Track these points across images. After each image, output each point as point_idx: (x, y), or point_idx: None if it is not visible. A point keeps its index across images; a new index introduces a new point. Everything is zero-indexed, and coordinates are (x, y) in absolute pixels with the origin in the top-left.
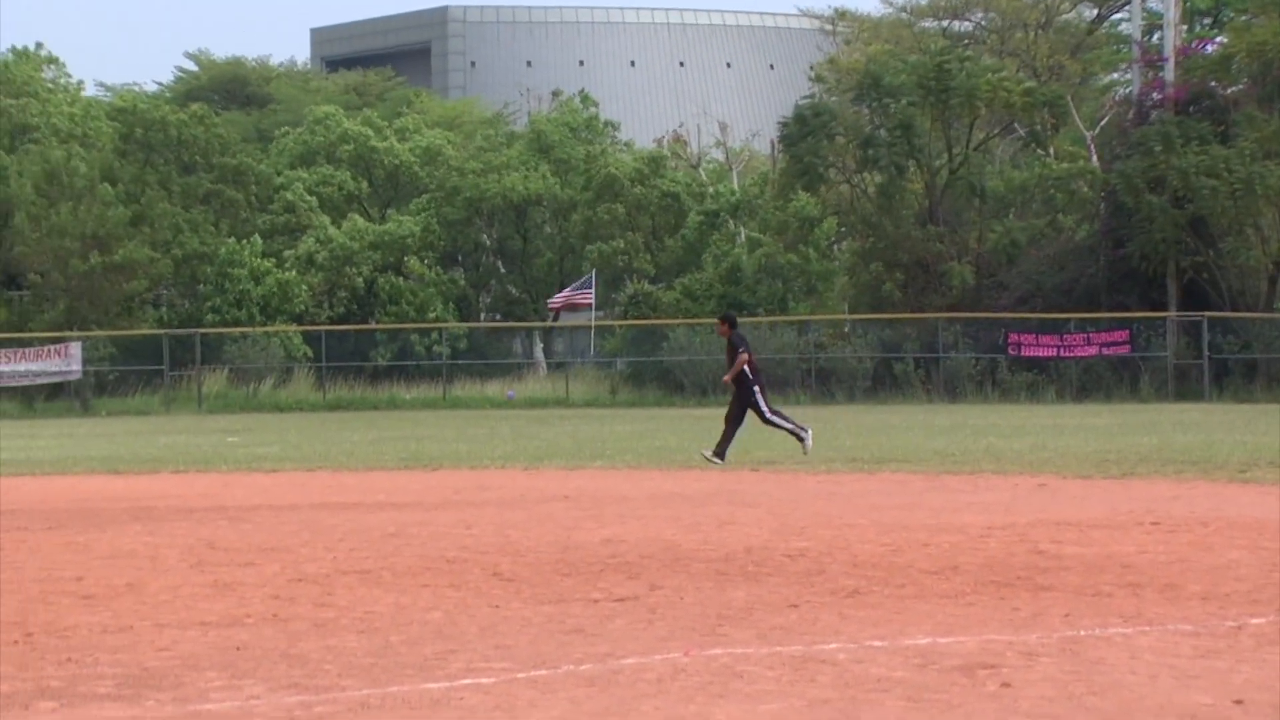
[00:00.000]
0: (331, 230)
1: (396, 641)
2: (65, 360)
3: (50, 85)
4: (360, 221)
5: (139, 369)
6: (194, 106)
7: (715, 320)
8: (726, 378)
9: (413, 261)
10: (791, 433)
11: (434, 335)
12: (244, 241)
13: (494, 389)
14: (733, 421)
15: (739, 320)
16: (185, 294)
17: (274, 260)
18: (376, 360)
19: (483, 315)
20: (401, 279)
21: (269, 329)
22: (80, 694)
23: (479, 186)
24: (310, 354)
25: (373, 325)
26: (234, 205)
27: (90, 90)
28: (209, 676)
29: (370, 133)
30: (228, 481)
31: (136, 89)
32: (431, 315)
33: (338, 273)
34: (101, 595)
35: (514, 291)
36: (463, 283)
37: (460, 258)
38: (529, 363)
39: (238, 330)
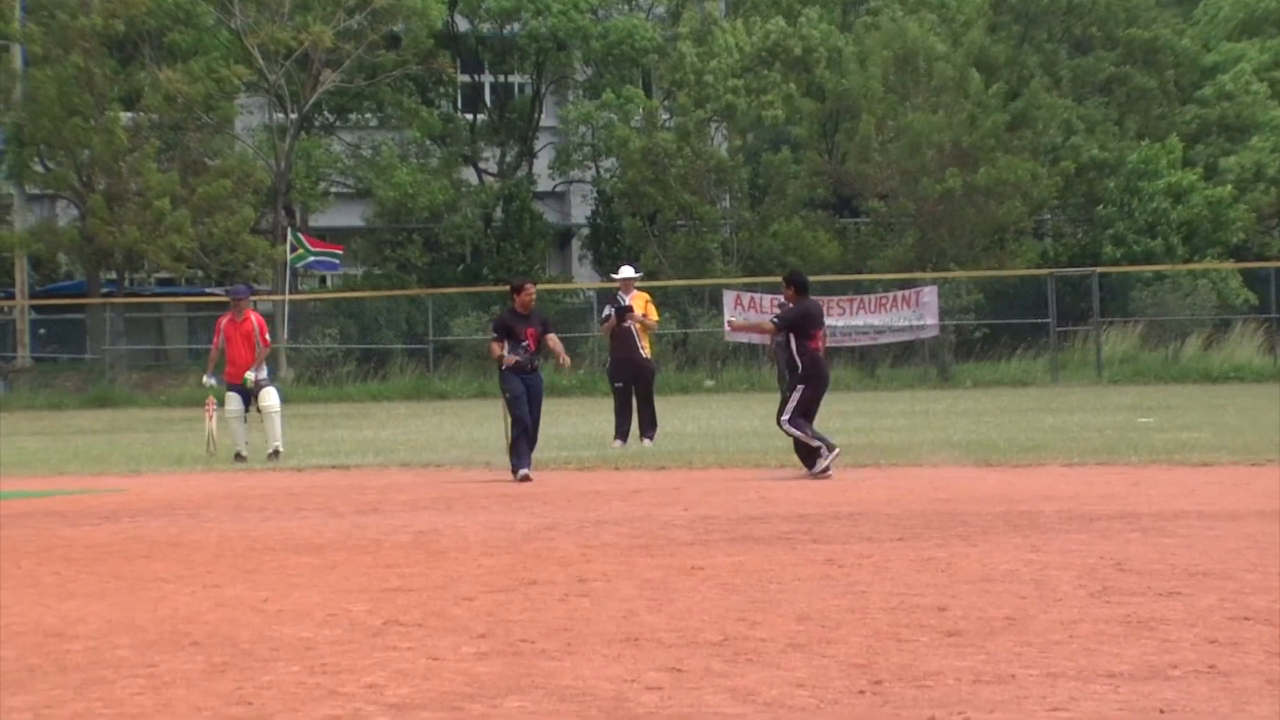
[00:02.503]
0: None
1: None
2: (916, 311)
3: None
4: None
5: (1015, 323)
6: None
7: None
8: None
9: None
10: (818, 443)
11: None
12: (1159, 145)
13: None
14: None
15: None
16: (1078, 219)
17: (1201, 171)
18: None
19: None
20: None
21: (1194, 267)
22: None
23: None
24: (1255, 302)
25: None
26: (1145, 95)
27: None
28: None
29: None
30: (1139, 478)
31: None
32: None
33: None
34: (971, 631)
35: None
36: None
37: None
38: None
39: (1150, 269)
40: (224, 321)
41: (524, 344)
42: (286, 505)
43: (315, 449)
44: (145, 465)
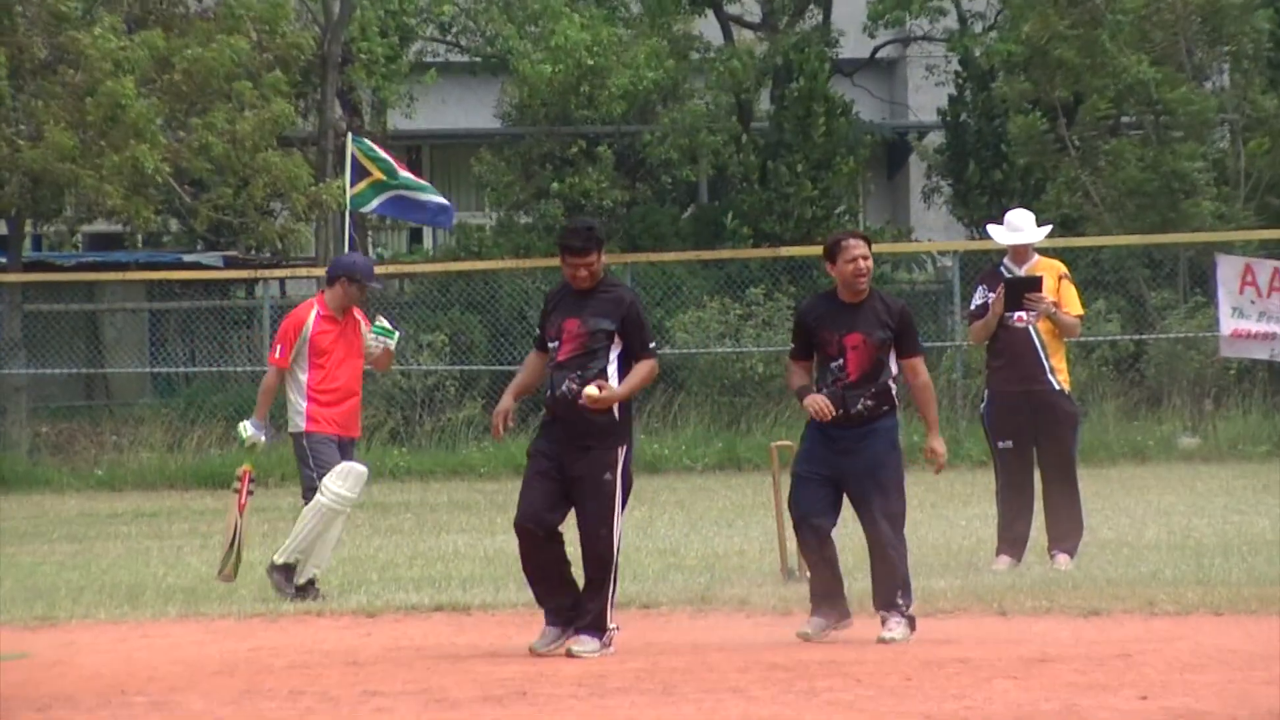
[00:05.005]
0: None
1: None
2: None
3: None
4: None
5: None
6: None
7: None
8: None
9: None
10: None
11: None
12: None
13: None
14: None
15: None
16: None
17: None
18: None
19: None
20: None
21: None
22: None
23: None
24: None
25: None
26: None
27: None
28: None
29: None
30: None
31: None
32: None
33: None
34: None
35: None
36: None
37: None
38: None
39: None
40: (311, 315)
41: (837, 363)
42: (346, 686)
43: (402, 571)
44: (68, 607)
